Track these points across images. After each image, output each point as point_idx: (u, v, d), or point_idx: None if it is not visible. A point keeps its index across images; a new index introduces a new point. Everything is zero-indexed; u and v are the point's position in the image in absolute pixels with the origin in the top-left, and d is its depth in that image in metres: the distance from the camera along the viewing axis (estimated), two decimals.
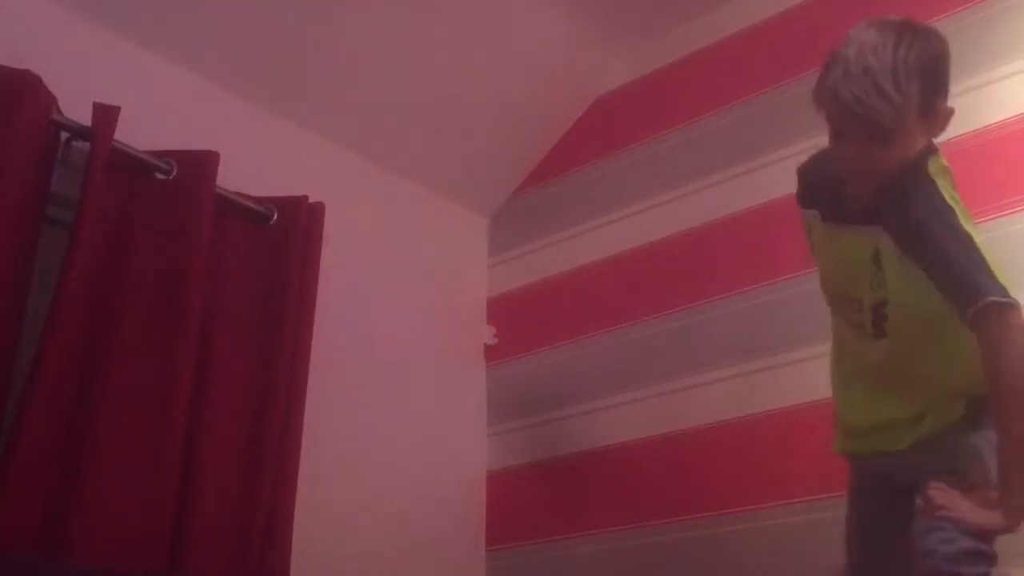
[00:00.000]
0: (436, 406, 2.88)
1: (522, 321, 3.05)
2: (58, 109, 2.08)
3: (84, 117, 2.09)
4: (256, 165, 2.50)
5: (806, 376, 2.38)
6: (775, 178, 2.59)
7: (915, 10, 2.47)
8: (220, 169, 2.27)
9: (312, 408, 2.35)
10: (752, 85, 2.74)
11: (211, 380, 2.18)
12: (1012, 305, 1.48)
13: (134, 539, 1.94)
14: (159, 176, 2.23)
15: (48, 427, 1.89)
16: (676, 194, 2.82)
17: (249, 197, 2.40)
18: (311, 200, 2.47)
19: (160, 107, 2.36)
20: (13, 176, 1.94)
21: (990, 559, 1.50)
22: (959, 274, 1.52)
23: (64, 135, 2.10)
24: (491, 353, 3.08)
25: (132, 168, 2.18)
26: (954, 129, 2.29)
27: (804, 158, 2.52)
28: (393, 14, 2.65)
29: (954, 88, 2.31)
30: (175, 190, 2.21)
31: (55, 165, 2.07)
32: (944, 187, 1.60)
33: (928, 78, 1.55)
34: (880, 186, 1.62)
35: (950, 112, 1.62)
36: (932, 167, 1.62)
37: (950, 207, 1.57)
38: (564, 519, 2.72)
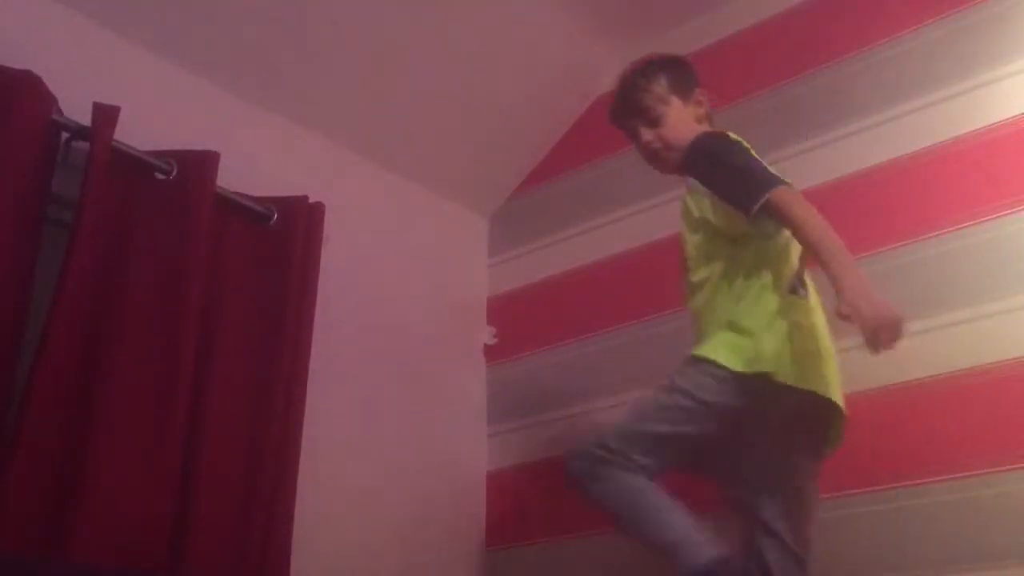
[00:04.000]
0: (436, 406, 2.88)
1: (522, 321, 3.05)
2: (58, 109, 2.07)
3: (84, 117, 2.08)
4: (256, 165, 2.50)
5: None
6: None
7: (914, 10, 2.49)
8: (220, 169, 2.26)
9: (312, 408, 2.35)
10: (752, 85, 2.74)
11: (211, 380, 2.18)
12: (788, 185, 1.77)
13: (134, 539, 1.94)
14: (159, 176, 2.23)
15: (48, 427, 1.89)
16: (676, 194, 2.77)
17: (249, 197, 2.39)
18: (311, 200, 2.47)
19: (160, 107, 2.36)
20: (13, 176, 1.94)
21: None
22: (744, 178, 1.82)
23: (64, 135, 2.10)
24: (491, 353, 3.07)
25: (132, 168, 2.18)
26: (956, 128, 2.33)
27: (804, 157, 2.56)
28: (393, 14, 2.65)
29: (955, 87, 2.35)
30: (175, 190, 2.21)
31: (55, 165, 2.07)
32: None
33: (671, 71, 2.03)
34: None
35: (705, 97, 2.05)
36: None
37: (735, 141, 1.90)
38: (564, 519, 2.71)
